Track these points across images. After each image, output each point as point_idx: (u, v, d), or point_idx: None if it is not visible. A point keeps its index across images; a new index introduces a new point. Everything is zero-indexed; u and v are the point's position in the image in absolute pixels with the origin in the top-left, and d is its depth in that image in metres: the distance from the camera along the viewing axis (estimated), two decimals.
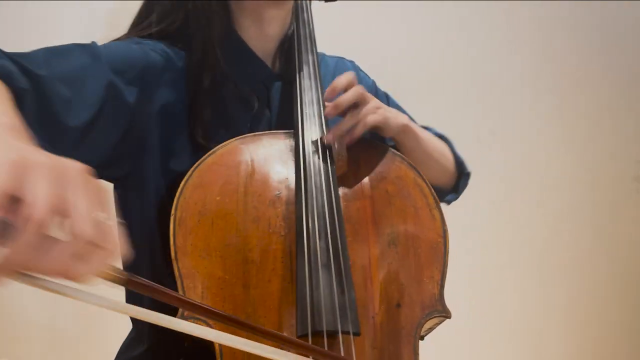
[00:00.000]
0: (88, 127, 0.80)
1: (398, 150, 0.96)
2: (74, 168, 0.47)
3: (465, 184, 1.11)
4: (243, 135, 0.91)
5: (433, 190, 0.92)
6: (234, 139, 0.90)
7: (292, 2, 1.01)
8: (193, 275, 0.79)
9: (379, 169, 0.92)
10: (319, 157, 0.87)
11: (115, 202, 0.92)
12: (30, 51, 0.79)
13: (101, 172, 0.84)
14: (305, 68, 0.96)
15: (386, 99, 1.12)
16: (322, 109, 0.93)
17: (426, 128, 1.10)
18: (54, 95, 0.76)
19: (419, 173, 0.93)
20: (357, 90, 0.89)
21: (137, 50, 0.89)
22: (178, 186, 0.84)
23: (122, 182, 0.91)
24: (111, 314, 0.56)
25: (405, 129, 0.95)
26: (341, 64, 1.11)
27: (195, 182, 0.85)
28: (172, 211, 0.82)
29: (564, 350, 1.83)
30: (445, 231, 0.89)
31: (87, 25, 1.46)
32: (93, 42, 0.86)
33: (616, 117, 1.93)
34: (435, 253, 0.87)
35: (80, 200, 0.45)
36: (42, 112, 0.74)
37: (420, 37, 1.76)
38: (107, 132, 0.83)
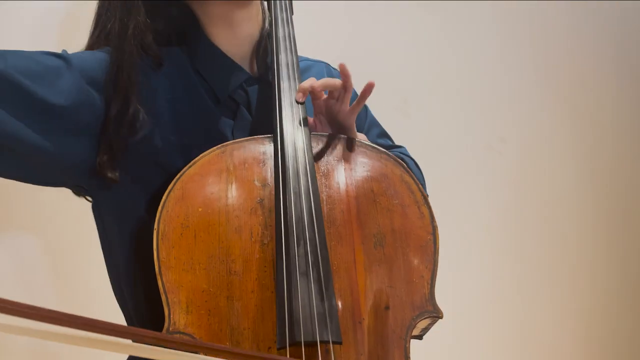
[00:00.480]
0: (74, 112, 0.82)
1: None
2: None
3: None
4: (225, 143, 0.90)
5: (421, 186, 0.90)
6: (214, 148, 0.89)
7: (259, 1, 1.00)
8: (177, 289, 0.78)
9: (363, 167, 0.90)
10: (297, 161, 0.85)
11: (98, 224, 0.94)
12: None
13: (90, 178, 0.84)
14: (284, 69, 0.95)
15: (365, 112, 1.11)
16: (300, 110, 0.91)
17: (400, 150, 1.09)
18: (20, 80, 0.77)
19: (405, 169, 0.91)
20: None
21: (103, 56, 0.88)
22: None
23: (103, 197, 0.91)
24: None
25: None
26: (323, 68, 1.09)
27: (177, 195, 0.84)
28: (155, 225, 0.82)
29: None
30: (434, 228, 0.87)
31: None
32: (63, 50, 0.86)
33: (627, 123, 1.87)
34: (424, 251, 0.85)
35: None
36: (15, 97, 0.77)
37: (428, 43, 1.73)
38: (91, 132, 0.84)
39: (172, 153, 0.92)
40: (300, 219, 0.79)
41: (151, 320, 0.86)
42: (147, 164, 0.91)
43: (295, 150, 0.86)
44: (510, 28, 1.79)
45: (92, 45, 0.93)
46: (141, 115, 0.88)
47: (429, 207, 0.88)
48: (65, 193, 0.95)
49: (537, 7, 1.79)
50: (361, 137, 0.97)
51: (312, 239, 0.77)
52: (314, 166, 0.86)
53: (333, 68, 1.11)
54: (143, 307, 0.91)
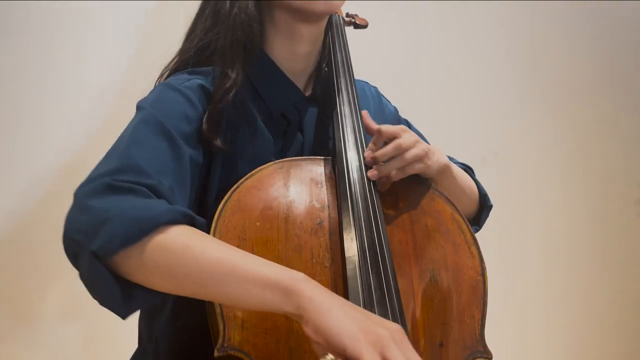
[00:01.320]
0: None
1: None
2: (399, 331, 0.62)
3: (487, 216, 1.11)
4: (281, 160, 0.88)
5: (470, 227, 0.91)
6: (271, 163, 0.87)
7: (326, 21, 0.99)
8: None
9: (417, 202, 0.90)
10: (362, 188, 0.85)
11: None
12: (118, 156, 0.77)
13: None
14: (344, 94, 0.95)
15: (408, 126, 1.11)
16: (362, 136, 0.91)
17: (449, 158, 1.10)
18: (171, 191, 0.77)
19: (456, 208, 0.92)
20: (399, 145, 0.87)
21: (186, 105, 0.86)
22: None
23: None
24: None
25: (444, 170, 0.94)
26: (367, 89, 1.10)
27: (234, 206, 0.82)
28: (211, 233, 0.79)
29: None
30: (483, 269, 0.88)
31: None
32: (151, 112, 0.84)
33: (618, 140, 1.95)
34: (475, 292, 0.85)
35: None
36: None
37: (421, 58, 1.76)
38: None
39: (218, 163, 0.89)
40: (371, 246, 0.78)
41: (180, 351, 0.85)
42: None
43: (360, 177, 0.86)
44: (503, 43, 1.82)
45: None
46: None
47: (478, 248, 0.89)
48: None
49: (531, 22, 1.85)
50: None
51: (385, 269, 0.77)
52: (378, 195, 0.85)
53: (374, 87, 1.13)
54: (175, 336, 0.88)
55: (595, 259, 1.93)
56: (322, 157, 0.91)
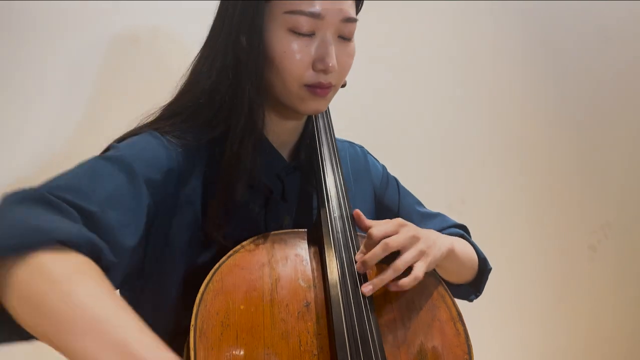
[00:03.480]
0: (139, 243, 0.74)
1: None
2: None
3: (487, 280, 1.07)
4: (263, 234, 0.85)
5: (455, 302, 0.89)
6: (254, 238, 0.84)
7: None
8: None
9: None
10: (352, 266, 0.82)
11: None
12: (66, 177, 0.71)
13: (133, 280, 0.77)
14: (328, 163, 0.92)
15: (396, 184, 1.10)
16: (346, 206, 0.89)
17: (437, 214, 1.09)
18: (112, 225, 0.69)
19: (440, 281, 0.90)
20: (385, 245, 0.82)
21: (164, 154, 0.81)
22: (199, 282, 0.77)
23: (137, 283, 0.83)
24: None
25: (448, 255, 0.90)
26: (352, 151, 1.07)
27: (217, 287, 0.78)
28: (192, 320, 0.74)
29: None
30: (469, 347, 0.86)
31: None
32: (120, 152, 0.78)
33: (574, 190, 2.02)
34: None
35: None
36: (109, 242, 0.68)
37: (391, 103, 1.77)
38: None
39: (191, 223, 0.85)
40: (362, 333, 0.75)
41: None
42: (172, 245, 0.83)
43: (348, 256, 0.83)
44: (472, 93, 1.86)
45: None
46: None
47: (464, 324, 0.88)
48: None
49: (493, 70, 1.89)
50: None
51: (376, 355, 0.74)
52: (367, 274, 0.83)
53: (359, 146, 1.11)
54: None
55: (551, 300, 1.98)
56: (306, 230, 0.88)
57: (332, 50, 0.82)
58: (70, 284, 0.59)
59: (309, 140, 0.96)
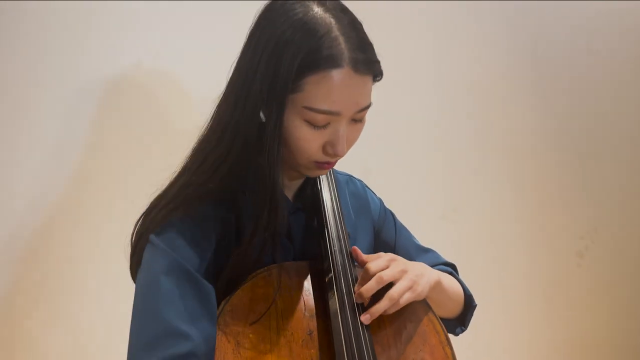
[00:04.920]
0: None
1: None
2: None
3: (472, 316, 1.15)
4: (269, 267, 0.93)
5: (444, 326, 0.98)
6: (262, 270, 0.92)
7: None
8: None
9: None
10: (351, 296, 0.91)
11: None
12: (151, 318, 0.82)
13: None
14: (328, 204, 1.01)
15: (392, 219, 1.18)
16: (345, 242, 0.98)
17: (429, 250, 1.17)
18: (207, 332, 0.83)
19: (429, 307, 0.99)
20: (379, 279, 0.91)
21: (205, 244, 0.90)
22: None
23: None
24: None
25: (435, 286, 0.99)
26: (352, 186, 1.15)
27: (227, 319, 0.86)
28: None
29: None
30: None
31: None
32: (172, 257, 0.86)
33: (563, 197, 2.10)
34: None
35: None
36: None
37: (383, 113, 1.84)
38: None
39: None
40: (362, 359, 0.84)
41: None
42: None
43: (347, 287, 0.92)
44: (463, 103, 1.94)
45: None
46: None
47: (452, 348, 0.96)
48: None
49: (483, 78, 1.97)
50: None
51: None
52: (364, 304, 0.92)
53: (358, 180, 1.18)
54: None
55: (540, 305, 2.06)
56: (308, 262, 0.96)
57: (344, 138, 0.88)
58: None
59: (311, 182, 1.04)
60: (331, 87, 0.83)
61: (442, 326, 0.98)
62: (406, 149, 1.84)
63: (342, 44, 0.83)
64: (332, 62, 0.82)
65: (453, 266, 1.19)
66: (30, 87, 1.39)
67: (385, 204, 1.19)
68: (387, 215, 1.17)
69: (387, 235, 1.15)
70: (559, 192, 2.10)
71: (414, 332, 0.95)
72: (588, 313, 2.15)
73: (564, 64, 2.08)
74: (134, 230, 0.94)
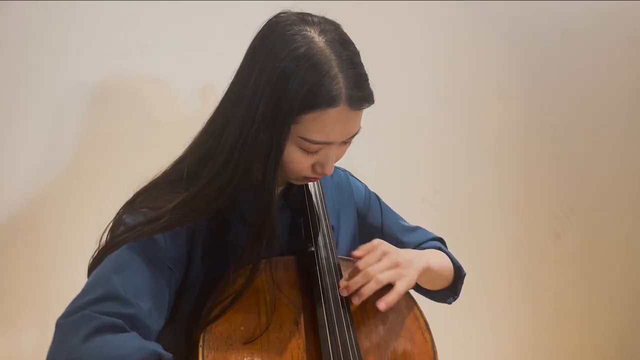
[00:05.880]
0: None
1: None
2: None
3: (462, 284, 1.21)
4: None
5: (423, 313, 1.04)
6: (250, 266, 0.97)
7: None
8: None
9: (376, 293, 1.02)
10: (335, 290, 0.97)
11: None
12: (101, 281, 0.86)
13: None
14: (313, 200, 1.06)
15: (378, 203, 1.23)
16: (329, 236, 1.04)
17: (417, 228, 1.23)
18: (147, 324, 0.85)
19: (410, 296, 1.05)
20: (367, 273, 0.97)
21: (180, 241, 0.95)
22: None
23: None
24: None
25: (424, 272, 1.04)
26: (336, 178, 1.20)
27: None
28: (200, 341, 0.88)
29: None
30: (435, 352, 1.01)
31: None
32: (147, 242, 0.91)
33: (540, 178, 2.16)
34: None
35: None
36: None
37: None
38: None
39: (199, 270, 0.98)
40: (345, 346, 0.90)
41: None
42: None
43: (331, 281, 0.98)
44: (448, 88, 1.98)
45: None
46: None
47: (430, 333, 1.03)
48: None
49: (473, 69, 2.01)
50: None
51: None
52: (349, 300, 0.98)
53: (342, 170, 1.23)
54: None
55: (517, 284, 2.14)
56: (295, 257, 1.02)
57: (333, 159, 0.95)
58: None
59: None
60: (326, 123, 0.89)
61: (421, 312, 1.04)
62: (385, 130, 1.88)
63: (341, 82, 0.89)
64: (330, 102, 0.88)
65: (442, 240, 1.25)
66: (17, 85, 1.41)
67: (369, 188, 1.25)
68: (372, 200, 1.22)
69: (374, 219, 1.20)
70: (537, 173, 2.16)
71: (395, 319, 1.01)
72: (566, 290, 2.23)
73: (544, 45, 2.12)
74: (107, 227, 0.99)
